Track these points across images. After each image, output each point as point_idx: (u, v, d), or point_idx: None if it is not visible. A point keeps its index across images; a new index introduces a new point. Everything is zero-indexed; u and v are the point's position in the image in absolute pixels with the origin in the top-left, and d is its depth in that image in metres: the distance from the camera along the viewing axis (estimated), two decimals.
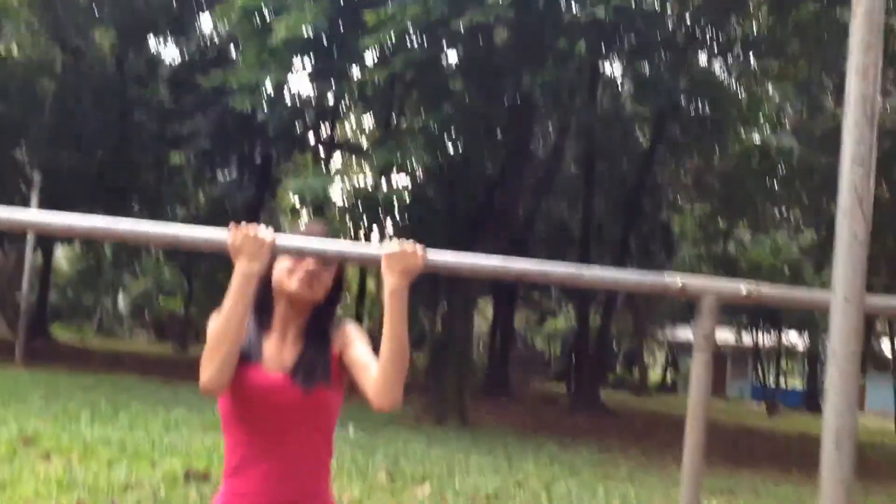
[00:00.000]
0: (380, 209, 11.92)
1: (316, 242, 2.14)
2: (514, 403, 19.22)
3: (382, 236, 19.33)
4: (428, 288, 16.93)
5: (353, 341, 2.18)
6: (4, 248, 24.85)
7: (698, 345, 2.44)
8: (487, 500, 6.17)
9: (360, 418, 10.29)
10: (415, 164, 10.99)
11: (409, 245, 2.07)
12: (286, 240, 2.14)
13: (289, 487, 2.08)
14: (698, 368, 2.41)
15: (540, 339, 37.12)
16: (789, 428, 21.55)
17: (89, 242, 24.44)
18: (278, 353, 2.14)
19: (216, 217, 19.14)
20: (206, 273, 26.60)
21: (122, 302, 37.32)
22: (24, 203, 16.98)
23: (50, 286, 27.02)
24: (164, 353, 28.27)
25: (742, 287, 2.45)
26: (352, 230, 14.24)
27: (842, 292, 1.61)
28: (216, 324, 2.06)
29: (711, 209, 21.66)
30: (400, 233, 15.50)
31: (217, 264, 24.98)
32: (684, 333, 34.04)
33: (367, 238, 18.76)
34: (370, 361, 2.11)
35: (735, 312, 24.63)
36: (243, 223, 2.08)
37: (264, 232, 2.03)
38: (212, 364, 2.03)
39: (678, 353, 38.45)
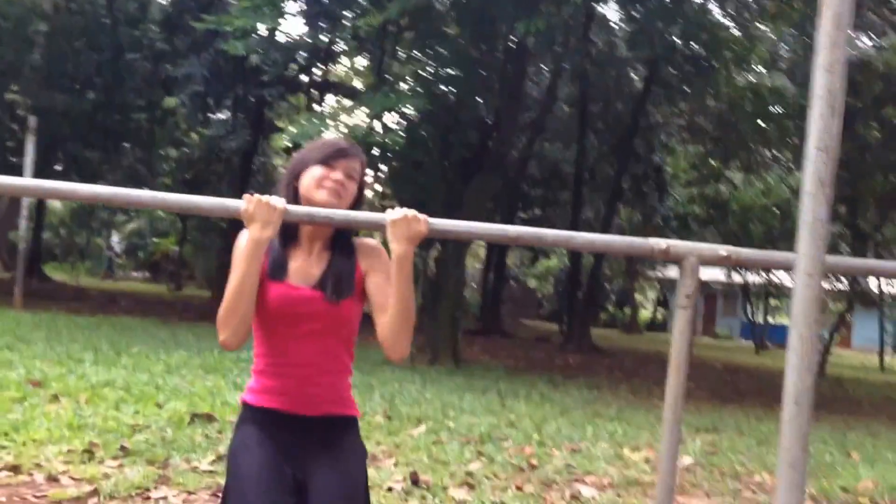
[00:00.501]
0: (374, 152, 11.99)
1: (325, 212, 2.30)
2: (506, 343, 19.56)
3: (376, 179, 19.41)
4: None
5: (378, 271, 2.35)
6: None
7: (680, 302, 2.65)
8: (481, 439, 6.42)
9: (357, 360, 10.56)
10: (409, 109, 11.04)
11: (413, 213, 2.24)
12: (297, 209, 2.31)
13: (313, 387, 2.28)
14: (680, 323, 2.62)
15: (533, 279, 37.45)
16: (775, 365, 22.01)
17: (82, 178, 24.39)
18: (305, 267, 2.32)
19: (210, 160, 19.17)
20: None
21: (115, 242, 37.42)
22: (19, 145, 16.99)
23: (43, 227, 27.10)
24: (158, 292, 28.51)
25: (721, 249, 2.65)
26: None
27: (804, 268, 1.78)
28: (230, 286, 2.23)
29: (704, 151, 21.74)
30: (395, 175, 15.62)
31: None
32: (675, 272, 34.36)
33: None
34: (385, 303, 2.28)
35: None
36: (256, 194, 2.25)
37: (276, 200, 2.20)
38: (229, 324, 2.21)
39: (669, 292, 38.89)
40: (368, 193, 23.04)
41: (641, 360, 18.80)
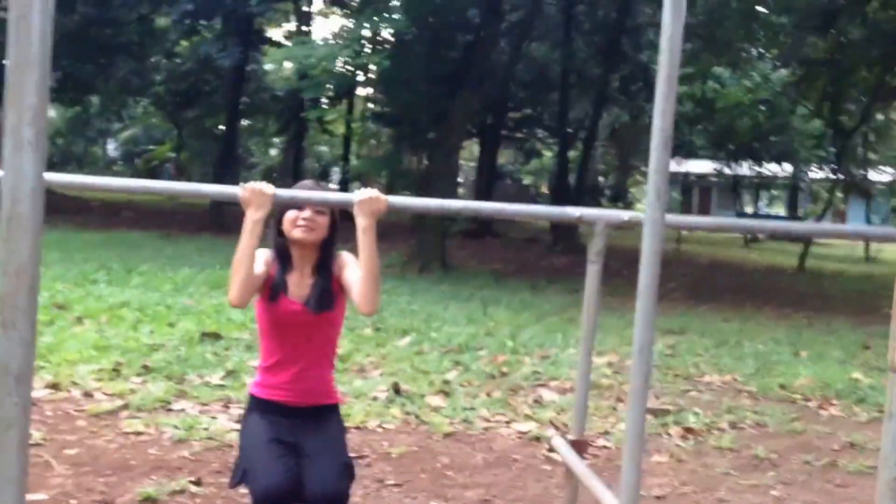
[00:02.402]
0: (362, 73, 12.43)
1: (306, 193, 2.97)
2: (497, 244, 20.26)
3: (364, 101, 19.60)
4: (410, 132, 17.50)
5: (346, 266, 3.04)
6: None
7: (590, 258, 3.33)
8: (459, 349, 7.20)
9: None
10: (391, 29, 11.39)
11: (376, 194, 2.89)
12: (284, 192, 2.96)
13: (307, 380, 2.99)
14: (591, 277, 3.32)
15: (528, 176, 38.00)
16: (761, 259, 22.79)
17: (76, 91, 24.55)
18: (298, 286, 3.01)
19: (203, 72, 19.48)
20: (195, 119, 27.03)
21: (111, 148, 37.86)
22: None
23: None
24: (157, 200, 29.13)
25: (624, 215, 3.31)
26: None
27: (650, 217, 2.34)
28: (236, 254, 2.91)
29: (692, 49, 21.93)
30: (383, 93, 15.94)
31: (206, 109, 25.35)
32: (674, 166, 34.81)
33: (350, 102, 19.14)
34: (357, 279, 2.97)
35: (719, 147, 25.39)
36: (251, 182, 2.88)
37: (267, 187, 2.83)
38: (235, 286, 2.90)
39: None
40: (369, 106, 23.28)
41: (628, 259, 19.50)
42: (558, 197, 21.82)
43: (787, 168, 32.23)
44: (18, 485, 0.90)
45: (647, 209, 2.14)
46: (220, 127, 23.55)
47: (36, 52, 0.93)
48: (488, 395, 5.86)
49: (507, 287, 12.11)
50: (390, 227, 13.04)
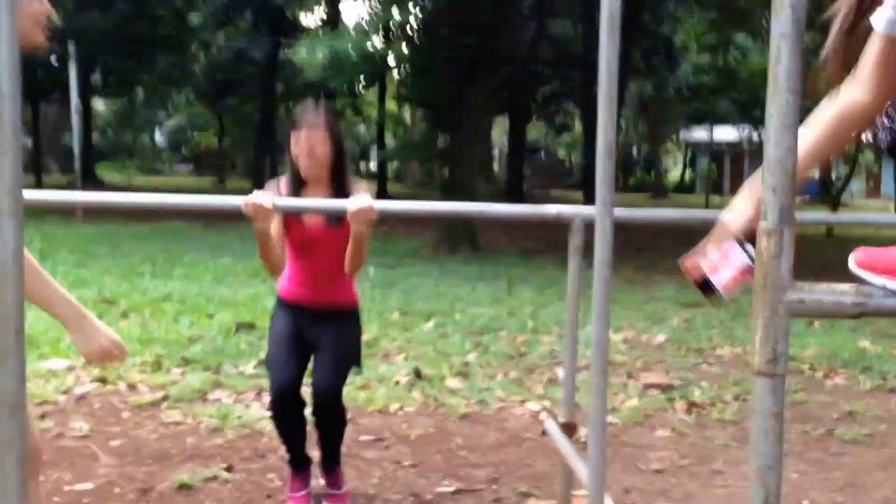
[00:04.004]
0: (387, 59, 12.75)
1: (304, 202, 3.38)
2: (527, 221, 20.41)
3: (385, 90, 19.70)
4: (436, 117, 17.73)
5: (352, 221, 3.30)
6: (47, 100, 25.92)
7: (571, 254, 3.63)
8: (481, 331, 7.55)
9: (383, 253, 11.74)
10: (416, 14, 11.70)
11: (368, 204, 3.20)
12: (283, 202, 3.30)
13: (323, 283, 3.55)
14: (572, 273, 3.63)
15: (562, 148, 38.05)
16: None
17: (121, 86, 25.36)
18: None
19: (238, 63, 19.96)
20: (234, 108, 27.65)
21: (159, 137, 38.83)
22: (63, 62, 17.91)
23: (92, 130, 28.33)
24: (203, 186, 29.92)
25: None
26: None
27: (600, 224, 2.65)
28: (259, 252, 3.36)
29: (711, 20, 21.76)
30: (406, 81, 16.17)
31: (244, 99, 25.96)
32: (699, 134, 34.72)
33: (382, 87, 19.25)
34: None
35: (745, 115, 25.17)
36: (251, 195, 3.19)
37: (267, 200, 3.10)
38: (267, 266, 3.44)
39: (696, 153, 39.26)
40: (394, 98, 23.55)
41: (657, 231, 19.60)
42: (588, 168, 21.90)
43: None
44: None
45: (596, 215, 2.44)
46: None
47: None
48: (505, 375, 6.19)
49: (534, 265, 12.41)
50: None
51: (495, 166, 31.68)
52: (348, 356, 3.58)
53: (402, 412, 5.38)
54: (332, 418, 3.58)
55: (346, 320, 3.63)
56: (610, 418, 5.45)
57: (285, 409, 3.50)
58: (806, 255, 16.40)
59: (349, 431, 3.94)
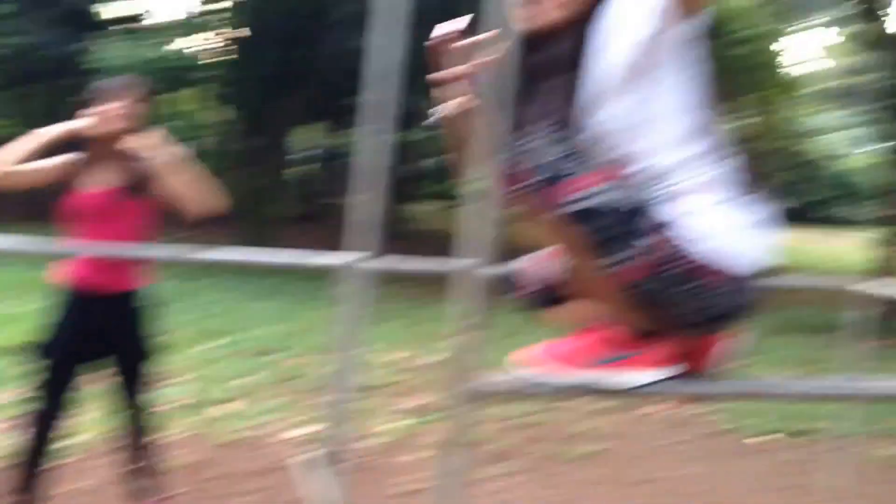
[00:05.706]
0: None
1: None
2: (332, 228, 20.28)
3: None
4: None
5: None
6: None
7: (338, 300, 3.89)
8: (263, 351, 7.70)
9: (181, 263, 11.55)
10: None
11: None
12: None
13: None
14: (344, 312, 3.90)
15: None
16: None
17: None
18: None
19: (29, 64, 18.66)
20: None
21: None
22: None
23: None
24: None
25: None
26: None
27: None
28: None
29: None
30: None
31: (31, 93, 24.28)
32: None
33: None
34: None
35: None
36: None
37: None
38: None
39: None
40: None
41: (438, 245, 20.08)
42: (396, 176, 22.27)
43: None
44: None
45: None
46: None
47: None
48: (279, 399, 6.39)
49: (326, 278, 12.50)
50: (208, 219, 13.04)
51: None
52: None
53: (171, 441, 5.44)
54: None
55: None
56: (368, 442, 5.75)
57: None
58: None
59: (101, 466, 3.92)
